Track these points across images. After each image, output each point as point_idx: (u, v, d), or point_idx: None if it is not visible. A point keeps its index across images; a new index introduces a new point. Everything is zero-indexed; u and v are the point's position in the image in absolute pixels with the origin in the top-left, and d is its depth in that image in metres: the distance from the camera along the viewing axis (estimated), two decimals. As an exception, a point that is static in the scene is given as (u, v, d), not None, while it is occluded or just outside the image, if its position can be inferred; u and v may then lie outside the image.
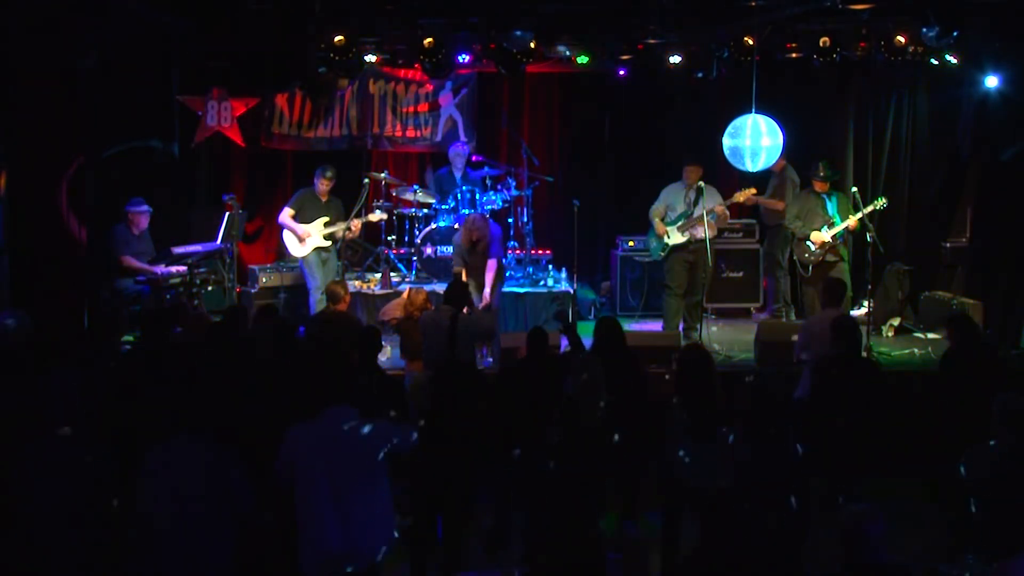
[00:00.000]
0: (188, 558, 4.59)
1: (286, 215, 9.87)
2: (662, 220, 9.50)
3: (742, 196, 9.52)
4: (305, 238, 9.81)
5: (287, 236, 9.94)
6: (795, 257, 9.92)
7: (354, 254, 11.31)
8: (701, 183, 9.27)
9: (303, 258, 9.88)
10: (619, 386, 6.45)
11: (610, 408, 6.12)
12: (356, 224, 9.94)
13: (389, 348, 8.83)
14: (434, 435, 5.83)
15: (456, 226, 10.41)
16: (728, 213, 9.66)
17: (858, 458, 6.96)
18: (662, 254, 9.58)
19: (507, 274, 10.35)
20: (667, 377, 8.17)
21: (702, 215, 9.14)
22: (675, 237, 9.42)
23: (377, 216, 10.35)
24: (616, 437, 5.93)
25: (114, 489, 4.73)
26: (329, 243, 9.87)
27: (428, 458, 5.79)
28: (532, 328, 7.14)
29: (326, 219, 9.80)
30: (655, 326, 10.01)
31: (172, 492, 4.60)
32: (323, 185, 9.80)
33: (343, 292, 8.14)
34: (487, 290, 8.98)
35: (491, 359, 8.81)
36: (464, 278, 9.00)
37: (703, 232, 9.22)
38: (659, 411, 6.18)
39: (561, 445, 5.47)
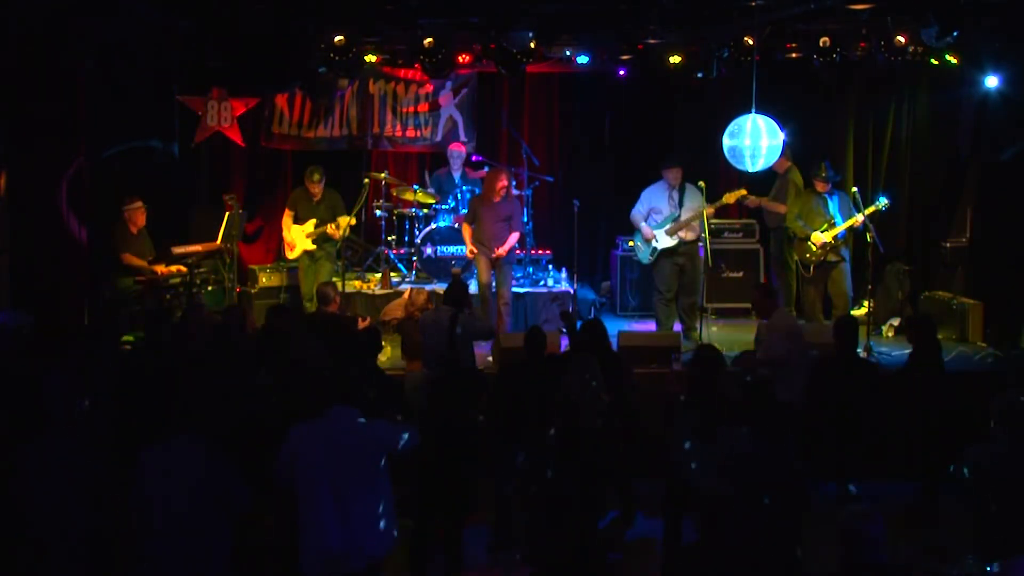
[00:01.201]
0: (184, 559, 4.59)
1: (286, 219, 9.98)
2: (645, 222, 9.45)
3: (732, 197, 9.45)
4: (293, 244, 9.88)
5: (284, 237, 10.01)
6: (796, 257, 9.91)
7: (354, 254, 11.31)
8: (701, 183, 9.25)
9: (294, 261, 9.94)
10: (607, 387, 6.47)
11: (611, 406, 6.14)
12: (331, 228, 9.89)
13: (390, 348, 8.83)
14: (434, 436, 5.83)
15: (455, 226, 10.43)
16: (713, 211, 9.63)
17: (858, 458, 6.97)
18: (651, 258, 9.53)
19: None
20: (667, 376, 8.17)
21: (691, 217, 9.13)
22: (663, 241, 9.38)
23: (345, 220, 9.99)
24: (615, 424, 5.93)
25: (114, 489, 4.73)
26: (315, 246, 9.87)
27: (428, 459, 5.80)
28: (529, 328, 7.14)
29: (315, 221, 9.82)
30: (654, 326, 10.01)
31: (167, 493, 4.60)
32: (311, 188, 9.84)
33: (333, 293, 8.11)
34: (505, 247, 9.32)
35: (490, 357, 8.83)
36: (469, 235, 9.44)
37: (692, 233, 9.22)
38: (654, 411, 6.18)
39: (561, 445, 5.47)
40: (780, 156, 9.44)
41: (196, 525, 4.59)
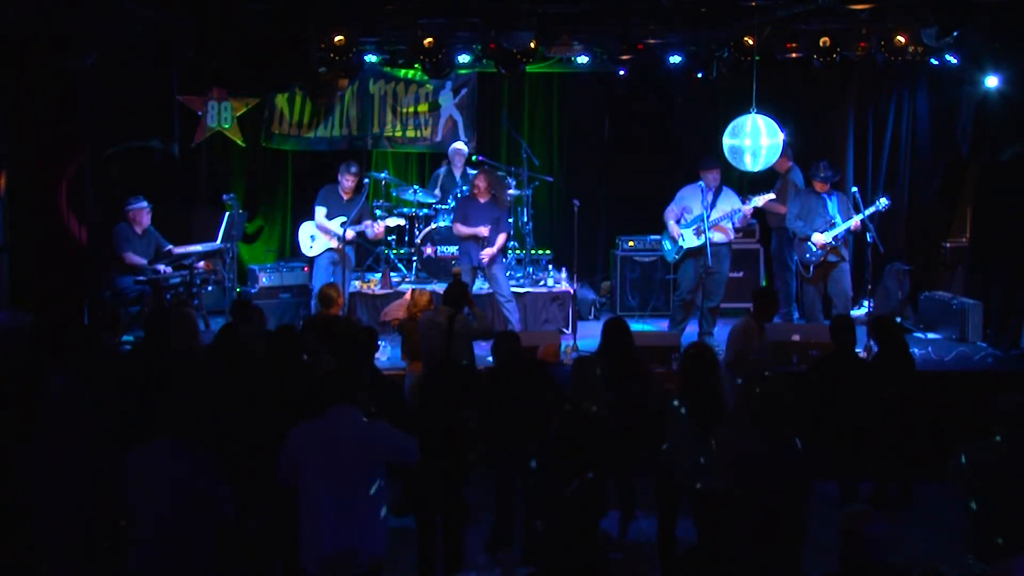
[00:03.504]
0: (168, 559, 4.61)
1: (320, 215, 9.88)
2: (677, 222, 9.45)
3: (761, 200, 9.44)
4: (325, 235, 9.83)
5: (303, 234, 9.97)
6: (796, 257, 9.90)
7: (355, 254, 11.31)
8: (738, 188, 9.26)
9: (314, 258, 9.89)
10: (624, 388, 6.44)
11: (611, 407, 6.12)
12: (379, 228, 9.95)
13: (389, 348, 8.83)
14: (427, 435, 5.81)
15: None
16: (750, 214, 9.62)
17: (860, 458, 6.97)
18: (676, 257, 9.52)
19: (507, 273, 10.36)
20: (666, 377, 8.17)
21: (719, 217, 9.12)
22: (690, 240, 9.36)
23: (395, 221, 10.31)
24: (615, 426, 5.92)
25: (114, 488, 4.73)
26: (341, 245, 9.83)
27: (423, 458, 5.79)
28: (497, 333, 7.14)
29: (343, 219, 9.78)
30: (655, 326, 10.01)
31: (151, 494, 4.61)
32: (348, 181, 9.80)
33: (336, 295, 8.08)
34: (494, 249, 9.45)
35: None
36: (463, 235, 9.55)
37: (723, 235, 9.21)
38: (661, 412, 6.17)
39: (560, 445, 5.47)
40: (781, 156, 9.45)
41: (179, 526, 4.60)
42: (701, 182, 9.41)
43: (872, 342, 9.13)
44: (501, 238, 9.56)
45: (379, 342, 6.99)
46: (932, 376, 8.70)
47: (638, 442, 6.50)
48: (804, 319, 9.87)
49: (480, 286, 9.98)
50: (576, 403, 5.77)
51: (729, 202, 9.31)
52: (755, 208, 9.53)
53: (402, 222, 10.52)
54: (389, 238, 10.89)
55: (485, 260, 9.51)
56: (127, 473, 4.67)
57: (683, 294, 9.52)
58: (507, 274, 10.23)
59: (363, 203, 9.94)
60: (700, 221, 9.28)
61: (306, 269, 10.40)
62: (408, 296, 8.29)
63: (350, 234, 9.73)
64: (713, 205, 9.26)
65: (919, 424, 7.13)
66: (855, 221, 9.26)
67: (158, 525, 4.59)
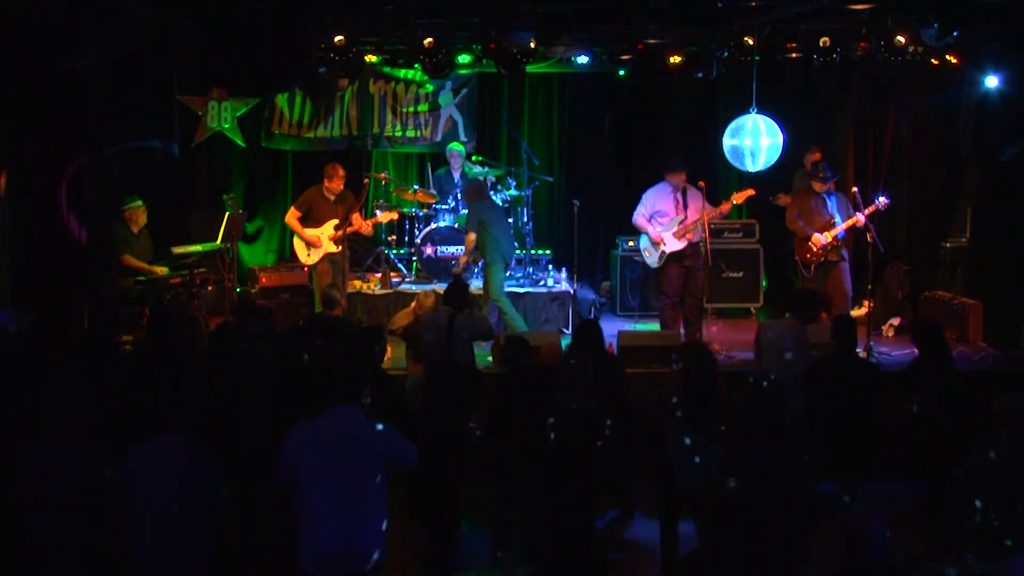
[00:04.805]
0: (168, 557, 4.61)
1: (292, 217, 9.85)
2: (649, 224, 9.42)
3: (741, 197, 9.42)
4: (314, 245, 9.78)
5: (296, 241, 9.92)
6: (796, 257, 9.89)
7: (354, 254, 11.31)
8: (701, 184, 9.24)
9: (313, 266, 9.86)
10: (601, 389, 6.43)
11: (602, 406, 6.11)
12: (368, 225, 9.94)
13: (391, 348, 8.81)
14: (424, 436, 5.81)
15: (456, 226, 10.47)
16: (729, 208, 9.60)
17: (859, 459, 6.97)
18: (659, 263, 9.49)
19: (505, 274, 10.33)
20: (665, 377, 8.16)
21: (697, 219, 9.12)
22: (672, 244, 9.34)
23: (387, 216, 10.33)
24: (608, 425, 5.92)
25: (116, 488, 4.73)
26: (339, 248, 9.81)
27: (423, 459, 5.79)
28: (508, 336, 7.12)
29: (335, 221, 9.75)
30: (655, 326, 10.00)
31: (151, 491, 4.62)
32: (334, 183, 9.77)
33: (339, 296, 8.06)
34: (462, 259, 9.71)
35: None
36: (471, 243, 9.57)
37: (697, 235, 9.20)
38: (653, 412, 6.17)
39: (554, 450, 5.47)
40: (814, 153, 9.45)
41: (179, 525, 4.60)
42: (667, 184, 9.35)
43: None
44: (467, 240, 9.55)
45: (384, 343, 6.97)
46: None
47: (626, 443, 6.50)
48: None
49: (477, 285, 9.98)
50: (567, 409, 5.75)
51: (698, 200, 9.23)
52: (734, 205, 9.50)
53: (395, 215, 10.49)
54: (389, 238, 10.89)
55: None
56: (128, 472, 4.67)
57: (672, 298, 9.48)
58: (506, 273, 10.19)
59: (361, 203, 9.93)
60: (679, 224, 9.24)
61: (306, 269, 10.40)
62: (414, 304, 8.29)
63: (333, 247, 9.74)
64: (686, 206, 9.25)
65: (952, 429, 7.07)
66: (855, 221, 9.24)
67: (159, 524, 4.59)
